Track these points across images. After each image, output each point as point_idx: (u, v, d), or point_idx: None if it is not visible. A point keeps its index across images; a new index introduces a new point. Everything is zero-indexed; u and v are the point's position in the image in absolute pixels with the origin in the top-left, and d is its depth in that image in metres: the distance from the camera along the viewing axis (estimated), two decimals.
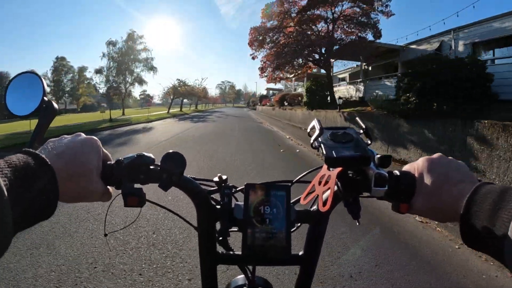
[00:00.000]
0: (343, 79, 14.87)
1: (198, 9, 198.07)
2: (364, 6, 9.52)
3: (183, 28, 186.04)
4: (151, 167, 0.40)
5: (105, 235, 0.54)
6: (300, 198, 0.44)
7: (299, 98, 14.25)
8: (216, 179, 0.46)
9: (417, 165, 0.39)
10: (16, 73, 0.49)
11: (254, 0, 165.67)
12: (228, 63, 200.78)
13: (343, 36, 10.50)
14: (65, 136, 0.37)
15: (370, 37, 9.85)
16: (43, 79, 0.48)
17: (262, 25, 11.26)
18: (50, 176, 0.29)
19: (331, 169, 0.41)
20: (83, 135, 0.37)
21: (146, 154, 0.40)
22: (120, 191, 0.39)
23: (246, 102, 75.77)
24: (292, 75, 14.15)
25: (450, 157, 0.38)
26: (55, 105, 0.48)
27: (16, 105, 0.48)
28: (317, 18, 10.24)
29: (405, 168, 0.41)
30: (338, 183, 0.40)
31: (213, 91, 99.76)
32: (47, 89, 0.47)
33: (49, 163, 0.29)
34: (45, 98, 0.46)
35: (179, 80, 31.78)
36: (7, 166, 0.26)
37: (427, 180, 0.36)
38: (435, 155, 0.39)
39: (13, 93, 0.49)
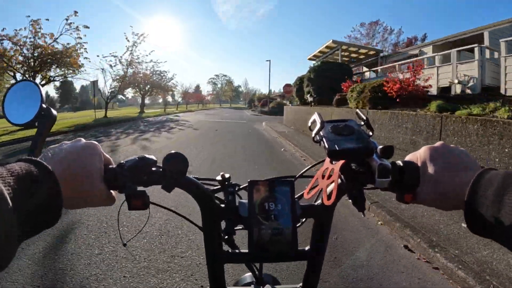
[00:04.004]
0: None
1: (195, 9, 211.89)
2: None
3: (181, 27, 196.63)
4: (153, 168, 0.45)
5: (124, 245, 0.58)
6: (303, 193, 0.49)
7: None
8: (219, 178, 0.51)
9: (419, 154, 0.44)
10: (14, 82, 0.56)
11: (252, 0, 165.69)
12: (228, 62, 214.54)
13: None
14: (65, 142, 0.42)
15: None
16: (40, 87, 0.54)
17: None
18: (53, 183, 0.33)
19: (333, 162, 0.45)
20: (83, 140, 0.43)
21: (147, 156, 0.45)
22: (123, 195, 0.44)
23: (247, 101, 70.65)
24: None
25: (452, 145, 0.43)
26: (54, 112, 0.53)
27: (15, 114, 0.53)
28: None
29: (408, 158, 0.46)
30: (342, 176, 0.45)
31: (205, 88, 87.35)
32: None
33: (51, 169, 0.34)
34: (43, 106, 0.52)
35: None
36: (10, 175, 0.29)
37: (430, 169, 0.41)
38: (437, 144, 0.44)
39: (11, 102, 0.54)
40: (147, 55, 26.59)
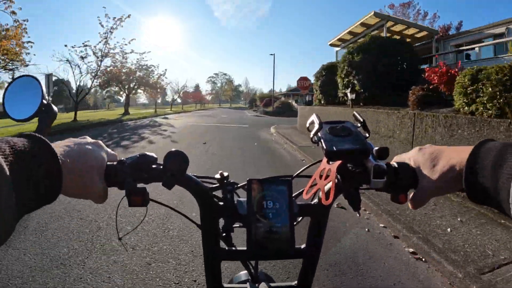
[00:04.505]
0: None
1: (195, 9, 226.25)
2: None
3: (180, 27, 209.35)
4: (154, 166, 0.48)
5: (119, 239, 0.74)
6: (301, 191, 0.52)
7: None
8: (217, 176, 0.54)
9: (411, 154, 0.48)
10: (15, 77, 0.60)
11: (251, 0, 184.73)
12: (228, 62, 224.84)
13: None
14: (72, 138, 0.46)
15: None
16: (41, 82, 0.55)
17: None
18: (53, 158, 0.36)
19: (331, 162, 0.48)
20: (88, 138, 0.47)
21: (148, 153, 0.48)
22: (123, 192, 0.47)
23: (248, 101, 69.52)
24: None
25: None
26: (55, 108, 0.54)
27: (15, 109, 0.54)
28: None
29: (397, 158, 0.49)
30: (338, 176, 0.48)
31: (204, 87, 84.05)
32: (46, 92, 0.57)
33: (53, 149, 0.36)
34: (44, 101, 0.53)
35: None
36: (11, 149, 0.31)
37: (426, 158, 0.44)
38: (426, 145, 0.48)
39: (12, 97, 0.55)
40: (126, 44, 23.09)
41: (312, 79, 12.19)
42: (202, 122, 18.07)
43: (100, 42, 18.37)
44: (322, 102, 11.03)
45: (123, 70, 23.22)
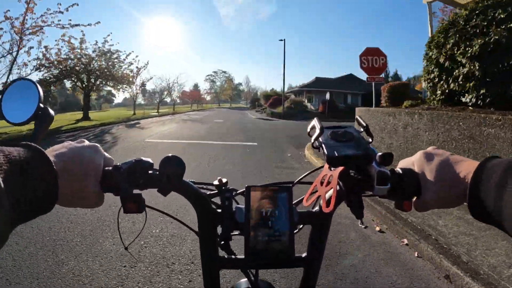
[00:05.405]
0: None
1: (196, 9, 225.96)
2: None
3: (181, 28, 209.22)
4: (150, 171, 0.47)
5: (126, 248, 0.57)
6: (302, 199, 0.51)
7: None
8: (216, 182, 0.53)
9: (415, 159, 0.46)
10: (12, 80, 0.59)
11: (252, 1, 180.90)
12: (228, 62, 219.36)
13: None
14: (69, 141, 0.45)
15: None
16: (39, 86, 0.55)
17: None
18: (49, 168, 0.35)
19: (332, 168, 0.47)
20: (86, 141, 0.46)
21: (144, 158, 0.47)
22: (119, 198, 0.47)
23: (249, 101, 66.46)
24: None
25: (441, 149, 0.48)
26: (51, 112, 0.55)
27: (12, 113, 0.55)
28: None
29: (402, 164, 0.48)
30: (340, 182, 0.47)
31: (202, 86, 78.70)
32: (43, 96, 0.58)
33: (48, 156, 0.36)
34: (41, 105, 0.53)
35: None
36: (5, 158, 0.31)
37: (431, 168, 0.43)
38: (429, 148, 0.47)
39: (9, 100, 0.56)
40: (61, 12, 12.33)
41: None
42: (178, 135, 11.17)
43: (21, 15, 11.84)
44: (476, 99, 3.83)
45: (81, 58, 16.67)
